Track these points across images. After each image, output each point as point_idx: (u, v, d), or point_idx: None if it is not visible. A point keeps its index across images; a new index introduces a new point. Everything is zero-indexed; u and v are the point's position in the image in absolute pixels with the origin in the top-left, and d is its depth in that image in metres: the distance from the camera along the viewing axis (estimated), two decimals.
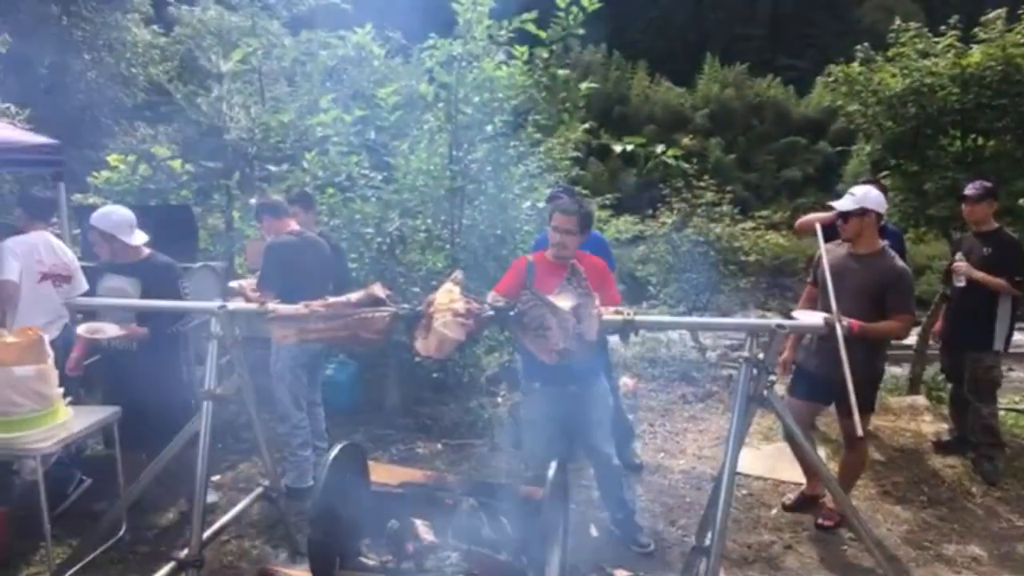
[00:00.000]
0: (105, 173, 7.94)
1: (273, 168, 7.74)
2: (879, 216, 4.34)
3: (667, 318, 5.40)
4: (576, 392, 4.07)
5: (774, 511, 4.87)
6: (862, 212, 4.24)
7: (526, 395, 4.33)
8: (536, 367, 3.88)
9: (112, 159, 8.09)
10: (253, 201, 6.01)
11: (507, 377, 4.93)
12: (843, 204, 4.30)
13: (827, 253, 4.14)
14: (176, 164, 8.01)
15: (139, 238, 4.43)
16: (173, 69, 12.82)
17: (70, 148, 6.54)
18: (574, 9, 6.28)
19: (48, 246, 4.88)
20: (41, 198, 5.26)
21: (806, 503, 4.85)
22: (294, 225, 4.94)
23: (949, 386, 6.05)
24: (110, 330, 4.16)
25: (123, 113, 13.70)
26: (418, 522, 3.14)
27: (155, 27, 14.31)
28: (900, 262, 4.28)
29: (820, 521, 4.64)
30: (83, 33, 13.38)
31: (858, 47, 8.41)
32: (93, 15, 13.39)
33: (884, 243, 4.37)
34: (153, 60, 14.06)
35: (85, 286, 5.00)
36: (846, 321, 3.51)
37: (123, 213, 4.46)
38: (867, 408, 4.39)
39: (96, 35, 13.52)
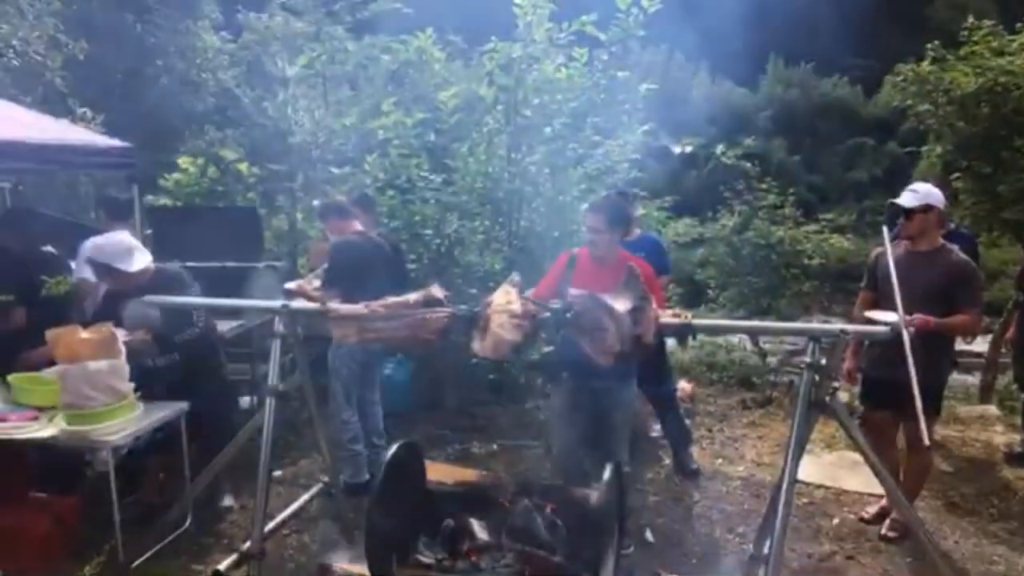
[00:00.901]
0: (175, 175, 8.20)
1: (336, 170, 7.88)
2: (941, 212, 4.22)
3: (726, 322, 5.36)
4: (601, 389, 3.98)
5: (835, 520, 4.76)
6: (926, 208, 4.13)
7: (555, 385, 4.31)
8: (566, 357, 3.82)
9: (182, 162, 8.35)
10: (316, 203, 6.12)
11: (545, 367, 4.81)
12: (906, 200, 4.18)
13: (884, 255, 4.11)
14: (243, 166, 8.22)
15: (140, 262, 4.21)
16: (241, 74, 13.11)
17: (142, 151, 6.76)
18: (635, 11, 6.25)
19: None
20: (121, 199, 5.47)
21: (887, 517, 4.66)
22: (358, 226, 5.01)
23: (1022, 396, 5.85)
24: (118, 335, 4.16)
25: (193, 117, 14.10)
26: (473, 522, 3.17)
27: (224, 33, 14.69)
28: (963, 256, 4.15)
29: (885, 532, 4.51)
30: (156, 40, 13.81)
31: (929, 45, 8.17)
32: (165, 23, 13.81)
33: (944, 243, 4.24)
34: (222, 65, 14.41)
35: None
36: (915, 322, 3.46)
37: (118, 241, 4.27)
38: (932, 414, 4.26)
39: (168, 42, 13.93)
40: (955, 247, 4.22)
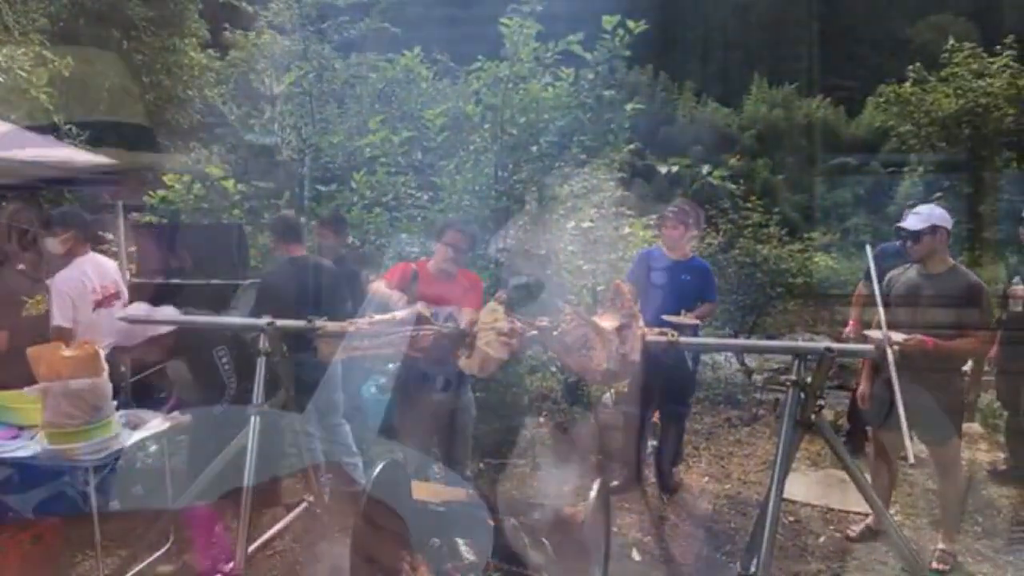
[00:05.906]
0: (161, 192, 8.16)
1: (322, 188, 7.88)
2: (948, 233, 4.23)
3: (712, 340, 5.35)
4: (443, 399, 4.29)
5: (822, 539, 4.76)
6: (932, 230, 4.13)
7: (404, 399, 4.47)
8: (408, 374, 4.10)
9: (168, 179, 8.32)
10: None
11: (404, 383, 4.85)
12: (910, 224, 4.19)
13: (897, 277, 4.28)
14: (229, 184, 8.20)
15: None
16: (228, 91, 13.14)
17: (128, 168, 6.73)
18: (620, 31, 6.30)
19: (96, 269, 4.85)
20: (89, 218, 5.33)
21: (872, 535, 4.67)
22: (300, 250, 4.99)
23: (1005, 414, 5.88)
24: (154, 424, 4.11)
25: (179, 134, 14.08)
26: (460, 541, 3.15)
27: (211, 51, 14.72)
28: (975, 277, 4.14)
29: (934, 565, 4.35)
30: (143, 57, 13.82)
31: (910, 67, 8.30)
32: (152, 40, 13.84)
33: (955, 263, 4.25)
34: (208, 83, 14.44)
35: None
36: (910, 342, 3.50)
37: None
38: (955, 434, 4.27)
39: (155, 59, 13.95)
40: (965, 268, 4.24)
